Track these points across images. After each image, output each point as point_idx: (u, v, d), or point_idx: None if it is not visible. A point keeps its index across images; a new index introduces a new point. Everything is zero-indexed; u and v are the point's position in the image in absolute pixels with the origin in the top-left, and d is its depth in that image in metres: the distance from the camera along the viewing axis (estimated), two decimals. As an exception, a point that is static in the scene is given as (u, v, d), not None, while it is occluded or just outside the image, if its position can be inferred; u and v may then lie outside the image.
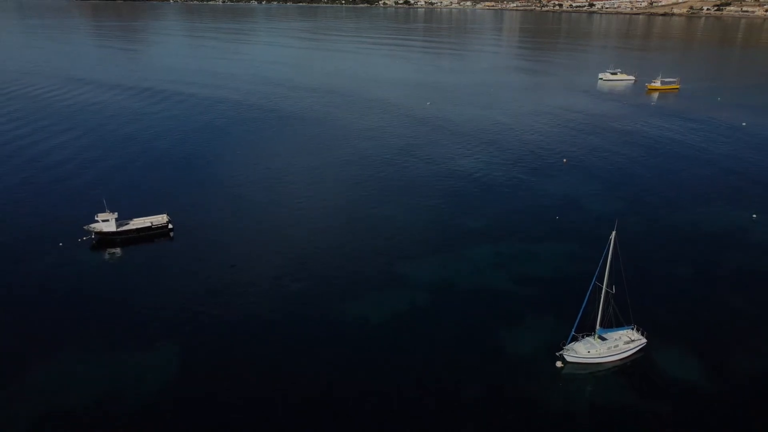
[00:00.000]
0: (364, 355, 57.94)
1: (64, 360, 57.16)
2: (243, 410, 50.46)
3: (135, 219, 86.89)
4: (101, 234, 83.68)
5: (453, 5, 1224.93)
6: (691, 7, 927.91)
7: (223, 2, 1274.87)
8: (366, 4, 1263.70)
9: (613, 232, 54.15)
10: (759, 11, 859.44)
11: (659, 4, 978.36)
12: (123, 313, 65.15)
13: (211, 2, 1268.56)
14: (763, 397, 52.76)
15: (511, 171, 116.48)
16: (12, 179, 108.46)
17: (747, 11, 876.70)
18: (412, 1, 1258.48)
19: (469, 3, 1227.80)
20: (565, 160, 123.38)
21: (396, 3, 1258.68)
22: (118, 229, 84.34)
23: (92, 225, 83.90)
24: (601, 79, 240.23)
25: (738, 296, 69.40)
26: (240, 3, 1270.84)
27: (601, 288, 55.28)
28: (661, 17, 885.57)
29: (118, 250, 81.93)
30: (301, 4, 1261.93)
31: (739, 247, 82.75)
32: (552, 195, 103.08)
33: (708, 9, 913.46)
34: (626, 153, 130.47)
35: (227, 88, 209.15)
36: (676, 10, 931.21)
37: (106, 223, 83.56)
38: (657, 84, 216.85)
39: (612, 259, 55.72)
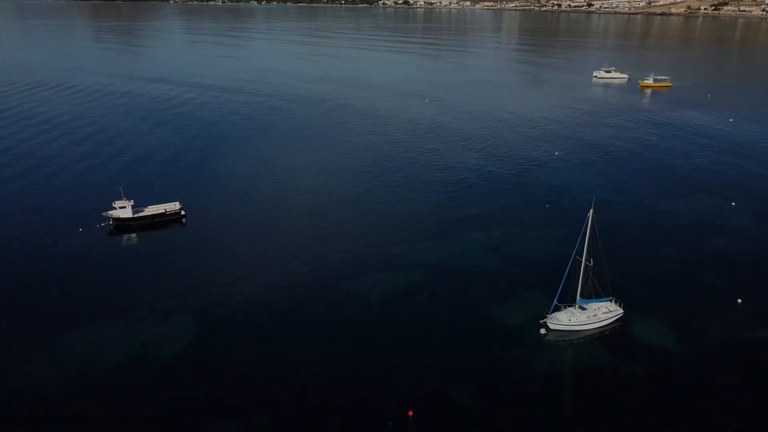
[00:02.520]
0: (365, 326, 63.41)
1: (89, 330, 62.55)
2: (251, 374, 55.93)
3: (150, 206, 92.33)
4: (118, 220, 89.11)
5: (452, 5, 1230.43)
6: (689, 7, 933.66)
7: (223, 2, 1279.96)
8: (365, 4, 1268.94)
9: (591, 210, 59.65)
10: (756, 11, 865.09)
11: (657, 3, 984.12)
12: (140, 291, 70.46)
13: (211, 2, 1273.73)
14: (728, 361, 58.17)
15: (505, 164, 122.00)
16: (36, 171, 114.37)
17: (744, 11, 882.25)
18: (411, 1, 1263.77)
19: (468, 3, 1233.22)
20: (557, 153, 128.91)
21: (395, 3, 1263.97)
22: (134, 216, 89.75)
23: (110, 212, 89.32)
24: (595, 77, 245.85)
25: (712, 274, 74.99)
26: (240, 3, 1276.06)
27: (581, 261, 60.79)
28: (659, 17, 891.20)
29: (134, 236, 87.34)
30: (300, 4, 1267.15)
31: (717, 231, 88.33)
32: (543, 185, 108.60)
33: (705, 9, 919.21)
34: (617, 146, 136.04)
35: (234, 86, 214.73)
36: (673, 10, 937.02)
37: (123, 210, 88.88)
38: (649, 81, 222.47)
39: (591, 235, 61.24)
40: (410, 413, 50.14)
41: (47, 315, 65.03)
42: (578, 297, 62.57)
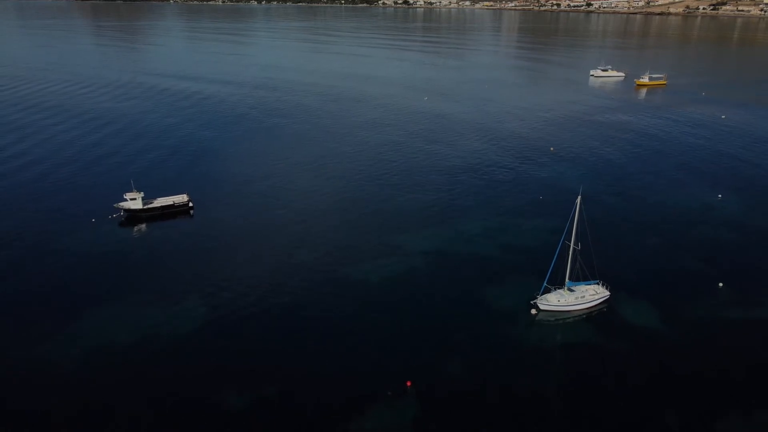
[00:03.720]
0: (366, 306, 67.22)
1: (104, 312, 66.22)
2: (257, 349, 59.77)
3: (159, 198, 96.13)
4: (129, 211, 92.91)
5: (452, 5, 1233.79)
6: (687, 7, 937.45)
7: (223, 2, 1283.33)
8: (365, 4, 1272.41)
9: (579, 197, 63.51)
10: (754, 11, 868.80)
11: (656, 3, 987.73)
12: (150, 277, 74.21)
13: (211, 2, 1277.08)
14: (707, 338, 61.99)
15: (501, 158, 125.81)
16: (51, 164, 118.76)
17: (743, 10, 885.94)
18: (411, 1, 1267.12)
19: (467, 3, 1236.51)
20: (552, 149, 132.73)
21: (395, 3, 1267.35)
22: (144, 207, 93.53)
23: (121, 203, 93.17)
24: (592, 75, 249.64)
25: (695, 260, 78.84)
26: (240, 3, 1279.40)
27: (569, 246, 64.60)
28: (657, 16, 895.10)
29: (143, 226, 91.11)
30: (300, 4, 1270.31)
31: (703, 221, 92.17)
32: (538, 178, 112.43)
33: (704, 8, 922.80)
34: (611, 142, 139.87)
35: (238, 85, 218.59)
36: (672, 10, 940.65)
37: (133, 201, 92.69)
38: (645, 80, 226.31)
39: (579, 223, 65.05)
40: (408, 384, 53.95)
41: (65, 297, 68.86)
42: (567, 280, 66.36)
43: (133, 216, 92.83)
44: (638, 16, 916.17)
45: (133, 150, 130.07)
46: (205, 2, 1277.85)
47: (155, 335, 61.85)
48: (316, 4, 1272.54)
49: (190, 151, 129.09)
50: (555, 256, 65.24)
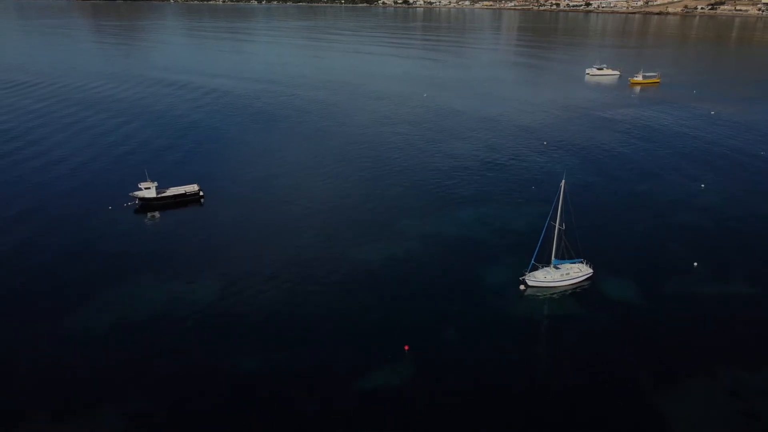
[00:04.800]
0: (368, 283, 72.76)
1: (124, 290, 71.60)
2: (266, 320, 65.31)
3: (171, 188, 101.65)
4: (143, 200, 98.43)
5: (451, 5, 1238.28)
6: (686, 6, 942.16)
7: (224, 2, 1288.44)
8: (365, 4, 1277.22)
9: (563, 181, 69.13)
10: (752, 10, 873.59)
11: (654, 3, 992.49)
12: (164, 258, 79.80)
13: (211, 2, 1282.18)
14: (680, 310, 67.47)
15: (497, 151, 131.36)
16: (70, 157, 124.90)
17: (741, 10, 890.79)
18: (411, 1, 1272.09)
19: (467, 2, 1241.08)
20: (545, 143, 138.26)
21: (395, 3, 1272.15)
22: (158, 196, 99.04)
23: (136, 192, 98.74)
24: (587, 74, 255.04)
25: (674, 242, 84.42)
26: (240, 3, 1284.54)
27: (554, 226, 70.12)
28: (656, 16, 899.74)
29: (157, 214, 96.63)
30: (300, 4, 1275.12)
31: (684, 208, 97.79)
32: (531, 170, 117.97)
33: (702, 8, 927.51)
34: (603, 137, 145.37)
35: (244, 82, 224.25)
36: (670, 9, 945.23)
37: (147, 190, 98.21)
38: (639, 78, 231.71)
39: (565, 206, 70.59)
40: (406, 348, 59.47)
41: (87, 275, 74.51)
42: (553, 258, 71.88)
43: (147, 204, 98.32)
44: (637, 15, 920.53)
45: (147, 143, 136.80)
46: (205, 2, 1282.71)
47: (173, 308, 67.37)
48: (316, 4, 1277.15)
49: (200, 145, 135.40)
50: (542, 236, 70.82)
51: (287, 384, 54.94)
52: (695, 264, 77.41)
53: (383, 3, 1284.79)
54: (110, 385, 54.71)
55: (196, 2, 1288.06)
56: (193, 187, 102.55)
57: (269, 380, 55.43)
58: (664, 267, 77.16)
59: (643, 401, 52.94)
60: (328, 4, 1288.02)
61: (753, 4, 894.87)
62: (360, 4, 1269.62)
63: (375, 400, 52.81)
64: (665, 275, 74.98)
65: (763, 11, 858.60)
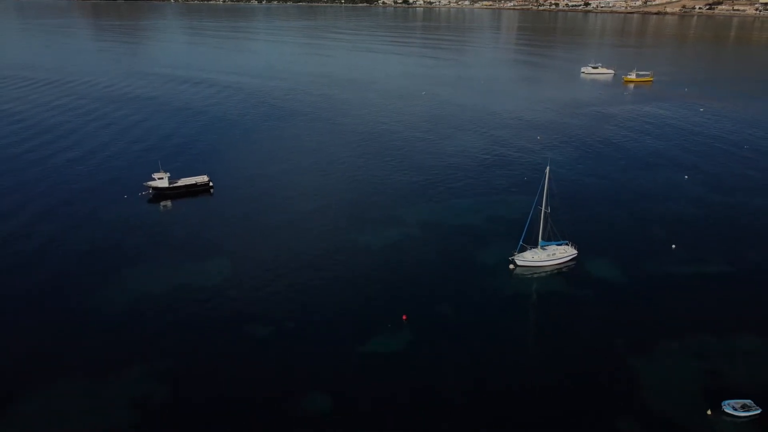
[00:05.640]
0: (369, 263, 78.60)
1: (142, 268, 77.54)
2: (274, 294, 71.10)
3: (183, 178, 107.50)
4: (156, 189, 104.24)
5: (451, 4, 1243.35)
6: (684, 6, 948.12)
7: (224, 2, 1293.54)
8: (365, 4, 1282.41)
9: (547, 167, 75.02)
10: (749, 10, 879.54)
11: (653, 3, 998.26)
12: (177, 241, 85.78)
13: (211, 2, 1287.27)
14: (657, 287, 73.27)
15: (492, 146, 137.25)
16: (90, 150, 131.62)
17: (738, 10, 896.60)
18: (411, 1, 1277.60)
19: (467, 2, 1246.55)
20: (539, 137, 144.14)
21: (395, 2, 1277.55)
22: (170, 186, 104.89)
23: (150, 182, 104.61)
24: (583, 72, 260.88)
25: (655, 227, 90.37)
26: (240, 3, 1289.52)
27: (541, 210, 75.98)
28: (654, 16, 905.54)
29: (169, 203, 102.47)
30: (300, 3, 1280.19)
31: (666, 197, 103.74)
32: (524, 163, 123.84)
33: (700, 8, 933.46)
34: (594, 132, 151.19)
35: (249, 81, 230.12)
36: (669, 9, 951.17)
37: (160, 180, 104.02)
38: (632, 76, 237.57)
39: (550, 190, 76.42)
40: (404, 317, 65.29)
41: (106, 257, 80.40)
42: (540, 240, 77.71)
43: (160, 193, 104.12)
44: (635, 15, 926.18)
45: (162, 136, 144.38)
46: (205, 2, 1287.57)
47: (187, 283, 73.22)
48: (316, 4, 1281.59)
49: (211, 140, 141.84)
50: (529, 218, 76.69)
51: (296, 347, 60.73)
52: (673, 246, 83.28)
53: (383, 3, 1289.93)
54: (136, 347, 60.52)
55: (196, 2, 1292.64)
56: (203, 178, 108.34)
57: (279, 344, 61.21)
58: (644, 249, 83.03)
59: (618, 362, 58.74)
60: (328, 4, 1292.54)
61: (750, 4, 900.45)
62: (360, 4, 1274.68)
63: (376, 361, 58.60)
64: (645, 256, 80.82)
65: (760, 11, 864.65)
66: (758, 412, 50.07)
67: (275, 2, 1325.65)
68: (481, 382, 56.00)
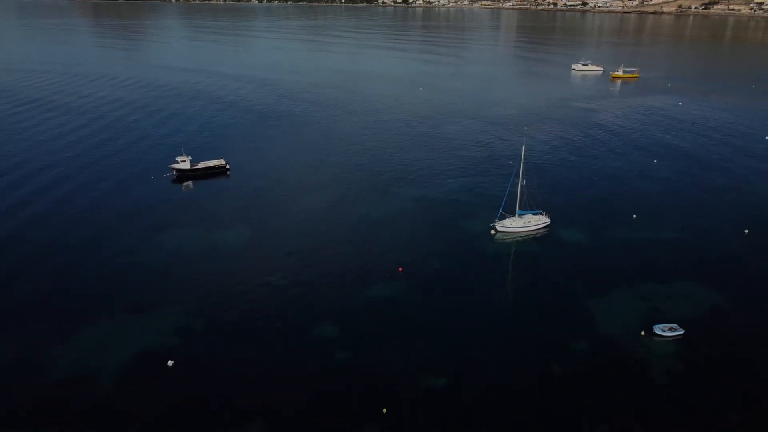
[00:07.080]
0: (369, 229, 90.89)
1: (169, 236, 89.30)
2: (289, 252, 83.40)
3: (202, 161, 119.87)
4: (179, 171, 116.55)
5: (450, 4, 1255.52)
6: (680, 6, 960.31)
7: (225, 1, 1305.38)
8: (365, 4, 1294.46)
9: (523, 145, 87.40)
10: (744, 9, 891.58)
11: (649, 3, 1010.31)
12: (200, 214, 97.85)
13: (212, 2, 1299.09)
14: (618, 249, 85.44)
15: (482, 135, 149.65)
16: (119, 137, 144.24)
17: (733, 9, 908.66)
18: (410, 0, 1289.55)
19: (466, 2, 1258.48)
20: (526, 127, 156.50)
21: (395, 2, 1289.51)
22: (191, 168, 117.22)
23: (173, 165, 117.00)
24: (573, 69, 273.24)
25: (619, 200, 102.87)
26: (241, 2, 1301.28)
27: (518, 183, 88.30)
28: (651, 15, 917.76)
29: (190, 183, 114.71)
30: (300, 3, 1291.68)
31: (634, 177, 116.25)
32: (511, 149, 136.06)
33: (696, 8, 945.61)
34: (577, 123, 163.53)
35: (254, 78, 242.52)
36: (665, 9, 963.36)
37: (183, 163, 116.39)
38: (620, 73, 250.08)
39: (524, 165, 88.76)
40: (400, 269, 77.57)
41: (139, 226, 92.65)
42: (517, 209, 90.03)
43: (182, 174, 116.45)
44: (632, 15, 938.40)
45: (184, 125, 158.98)
46: (205, 2, 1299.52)
47: (212, 248, 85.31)
48: (316, 4, 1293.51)
49: (228, 127, 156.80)
50: (507, 189, 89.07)
51: (310, 291, 72.94)
52: (634, 216, 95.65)
53: (383, 2, 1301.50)
54: (172, 293, 72.79)
55: (197, 2, 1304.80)
56: (220, 162, 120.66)
57: (296, 289, 73.38)
58: (608, 218, 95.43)
59: (577, 302, 70.93)
60: (328, 4, 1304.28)
61: (745, 4, 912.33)
62: (360, 4, 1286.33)
63: (376, 303, 70.81)
64: (609, 224, 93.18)
65: (755, 11, 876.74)
66: (682, 332, 62.41)
67: (275, 2, 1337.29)
68: (464, 317, 68.18)
